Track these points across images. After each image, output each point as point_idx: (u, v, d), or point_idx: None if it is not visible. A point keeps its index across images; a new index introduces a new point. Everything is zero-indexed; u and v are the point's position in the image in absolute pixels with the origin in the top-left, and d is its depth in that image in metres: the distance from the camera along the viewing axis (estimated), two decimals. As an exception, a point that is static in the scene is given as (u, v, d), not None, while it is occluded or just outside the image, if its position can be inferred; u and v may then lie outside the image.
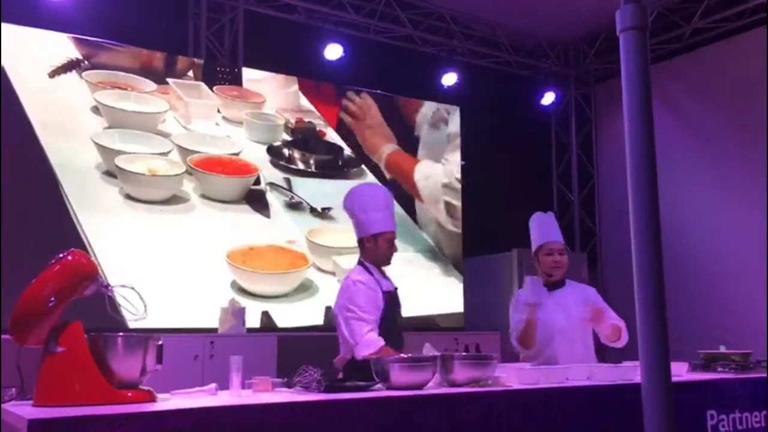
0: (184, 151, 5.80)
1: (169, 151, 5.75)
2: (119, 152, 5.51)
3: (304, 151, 6.40)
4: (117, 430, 1.75)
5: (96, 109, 5.56)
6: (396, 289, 3.29)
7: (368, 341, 2.96)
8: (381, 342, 2.96)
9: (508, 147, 7.80)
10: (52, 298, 1.99)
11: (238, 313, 5.38)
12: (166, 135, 5.78)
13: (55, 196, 5.23)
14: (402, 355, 2.61)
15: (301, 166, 6.36)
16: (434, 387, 2.50)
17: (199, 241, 5.70)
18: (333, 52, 6.81)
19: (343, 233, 6.23)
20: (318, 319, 5.93)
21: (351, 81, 6.74)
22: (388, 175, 6.72)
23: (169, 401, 2.11)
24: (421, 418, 2.21)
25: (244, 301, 5.60)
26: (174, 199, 5.70)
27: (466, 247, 6.99)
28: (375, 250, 3.22)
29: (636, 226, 2.48)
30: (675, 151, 7.20)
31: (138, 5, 5.94)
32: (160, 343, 2.10)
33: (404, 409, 2.20)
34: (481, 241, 7.23)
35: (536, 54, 8.26)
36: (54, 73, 5.40)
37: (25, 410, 1.85)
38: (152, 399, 2.06)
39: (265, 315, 5.79)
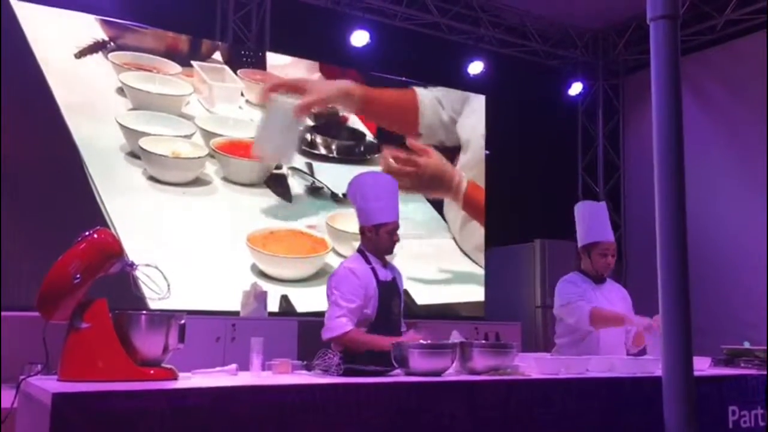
0: (207, 134, 5.83)
1: (193, 134, 5.78)
2: (143, 134, 5.56)
3: (327, 136, 6.40)
4: (139, 406, 1.78)
5: (121, 91, 5.61)
6: (394, 278, 3.26)
7: (334, 324, 2.98)
8: (346, 327, 2.96)
9: (533, 137, 7.74)
10: (78, 275, 2.02)
11: (260, 296, 5.41)
12: (189, 117, 5.82)
13: (79, 176, 5.29)
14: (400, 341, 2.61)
15: (323, 151, 6.37)
16: (453, 374, 2.50)
17: (220, 224, 5.74)
18: (359, 38, 6.79)
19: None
20: None
21: (377, 68, 6.72)
22: (462, 209, 6.76)
23: (190, 380, 2.14)
24: (438, 405, 2.21)
25: (263, 285, 5.63)
26: (196, 182, 5.75)
27: (488, 236, 6.96)
28: (375, 241, 3.19)
29: (662, 219, 2.45)
30: (702, 144, 7.08)
31: (166, -12, 5.98)
32: (182, 322, 2.13)
33: (422, 394, 2.21)
34: (504, 231, 7.20)
35: (564, 43, 8.16)
36: (80, 54, 5.45)
37: (49, 384, 1.89)
38: (174, 377, 2.09)
39: (285, 299, 5.83)
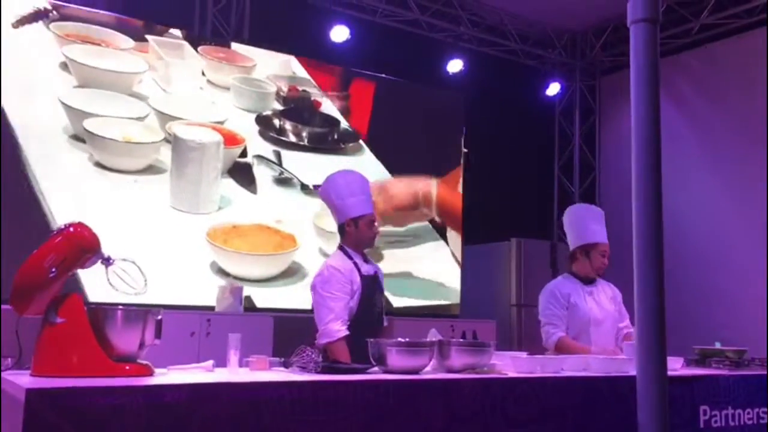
0: (163, 117, 5.29)
1: (146, 116, 5.25)
2: (89, 115, 5.01)
3: (297, 122, 5.89)
4: (115, 402, 1.76)
5: (64, 66, 5.04)
6: (376, 272, 3.33)
7: (327, 330, 3.07)
8: (339, 334, 3.04)
9: (510, 136, 7.79)
10: (53, 269, 1.99)
11: (236, 292, 5.35)
12: (142, 98, 5.28)
13: (14, 162, 4.76)
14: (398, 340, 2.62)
15: (292, 138, 5.86)
16: (431, 372, 2.51)
17: (176, 216, 5.27)
18: (339, 34, 6.76)
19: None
20: (306, 306, 5.50)
21: (356, 64, 6.70)
22: (438, 219, 6.54)
23: (166, 376, 2.12)
24: (416, 403, 2.22)
25: (224, 285, 5.21)
26: (150, 169, 5.24)
27: (465, 234, 6.99)
28: (356, 234, 3.26)
29: (639, 220, 2.48)
30: (678, 145, 7.19)
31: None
32: (159, 317, 2.11)
33: (400, 392, 2.21)
34: (480, 229, 7.24)
35: (543, 44, 8.21)
36: (18, 24, 4.90)
37: (23, 380, 1.86)
38: (150, 373, 2.07)
39: (247, 300, 5.42)
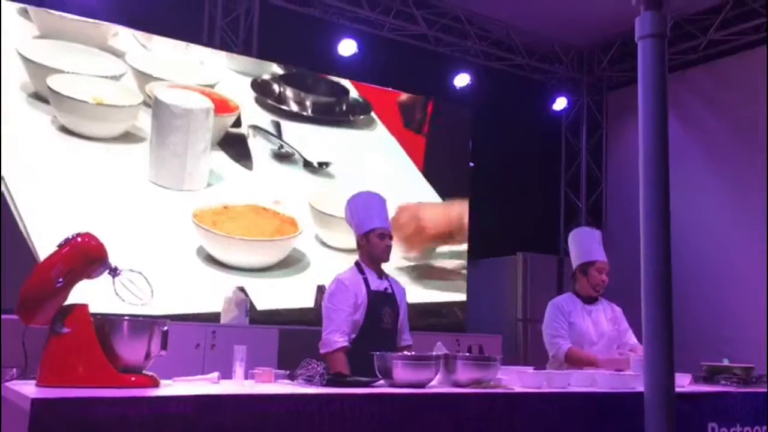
0: (143, 77, 4.72)
1: (122, 75, 4.68)
2: (54, 71, 4.42)
3: (300, 89, 5.33)
4: (120, 413, 1.75)
5: (24, 12, 4.44)
6: (387, 288, 3.36)
7: (327, 340, 3.16)
8: (336, 345, 3.12)
9: (517, 150, 7.80)
10: (60, 279, 2.00)
11: (241, 303, 5.33)
12: (118, 53, 4.71)
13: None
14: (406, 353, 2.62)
15: (294, 107, 5.30)
16: (436, 386, 2.50)
17: (157, 193, 4.66)
18: (347, 48, 6.79)
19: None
20: (308, 301, 4.91)
21: (364, 78, 6.72)
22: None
23: (172, 387, 2.12)
24: (422, 417, 2.21)
25: (213, 273, 4.63)
26: (125, 137, 4.62)
27: (471, 249, 6.98)
28: (369, 248, 3.33)
29: (646, 235, 2.47)
30: (684, 161, 7.17)
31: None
32: (165, 328, 2.11)
33: (405, 406, 2.20)
34: (487, 243, 7.23)
35: (550, 58, 8.24)
36: None
37: (28, 390, 1.86)
38: (155, 384, 2.07)
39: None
